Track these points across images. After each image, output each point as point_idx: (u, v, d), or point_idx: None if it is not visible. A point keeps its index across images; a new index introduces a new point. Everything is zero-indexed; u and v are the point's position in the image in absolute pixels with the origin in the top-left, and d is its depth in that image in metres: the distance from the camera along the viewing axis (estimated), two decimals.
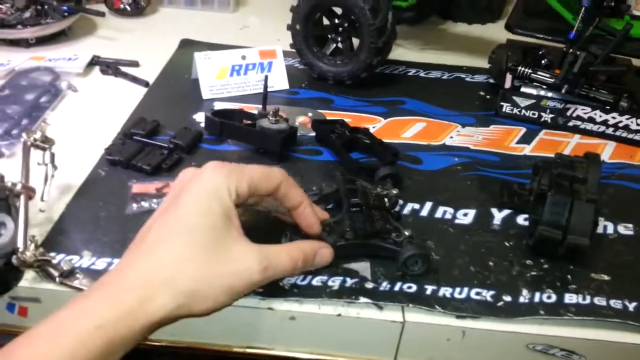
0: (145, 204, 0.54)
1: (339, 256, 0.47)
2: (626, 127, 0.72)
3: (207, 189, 0.39)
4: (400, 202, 0.57)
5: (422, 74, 0.90)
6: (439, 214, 0.58)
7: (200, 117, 0.71)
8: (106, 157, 0.61)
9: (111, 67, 0.82)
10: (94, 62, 0.83)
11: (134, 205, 0.54)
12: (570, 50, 0.71)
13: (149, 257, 0.36)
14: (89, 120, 0.70)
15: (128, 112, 0.72)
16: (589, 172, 0.52)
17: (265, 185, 0.42)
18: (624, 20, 0.76)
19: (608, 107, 0.73)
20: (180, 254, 0.36)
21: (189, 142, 0.64)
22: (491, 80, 0.86)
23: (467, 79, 0.89)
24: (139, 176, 0.59)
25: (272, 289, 0.46)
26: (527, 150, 0.71)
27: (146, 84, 0.79)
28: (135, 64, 0.85)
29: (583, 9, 0.70)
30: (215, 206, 0.38)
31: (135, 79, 0.80)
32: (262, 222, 0.49)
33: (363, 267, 0.50)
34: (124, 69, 0.82)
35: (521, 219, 0.58)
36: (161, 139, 0.65)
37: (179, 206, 0.38)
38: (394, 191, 0.55)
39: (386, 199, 0.54)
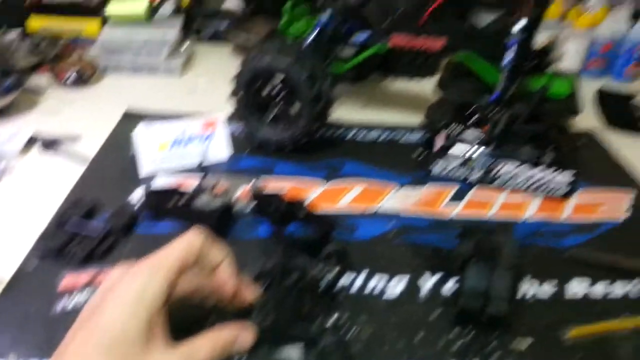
0: (74, 299, 0.54)
1: (262, 340, 0.48)
2: (550, 182, 0.76)
3: (133, 296, 0.38)
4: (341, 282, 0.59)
5: (361, 135, 0.93)
6: (370, 286, 0.60)
7: (139, 195, 0.72)
8: (37, 247, 0.61)
9: (50, 145, 0.82)
10: (33, 140, 0.83)
11: (63, 301, 0.53)
12: (494, 110, 0.75)
13: None
14: (23, 206, 0.70)
15: (65, 192, 0.72)
16: (506, 239, 0.55)
17: (191, 259, 0.42)
18: (544, 78, 0.81)
19: (533, 163, 0.77)
20: None
21: (124, 224, 0.65)
22: (426, 139, 0.89)
23: (405, 138, 0.92)
24: (71, 266, 0.59)
25: None
26: (457, 210, 0.73)
27: (86, 161, 0.79)
28: (76, 138, 0.85)
29: (505, 70, 0.75)
30: (141, 312, 0.38)
31: (74, 156, 0.80)
32: (187, 312, 0.50)
33: (294, 351, 0.51)
34: (64, 145, 0.83)
35: (449, 286, 0.60)
36: (98, 221, 0.66)
37: (103, 315, 0.38)
38: (335, 270, 0.56)
39: (327, 277, 0.55)
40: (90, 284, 0.56)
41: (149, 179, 0.77)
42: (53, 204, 0.69)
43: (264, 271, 0.56)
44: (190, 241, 0.43)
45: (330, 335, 0.49)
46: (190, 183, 0.73)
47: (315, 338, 0.50)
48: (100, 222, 0.65)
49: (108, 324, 0.38)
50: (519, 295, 0.58)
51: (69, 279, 0.56)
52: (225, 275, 0.45)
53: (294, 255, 0.58)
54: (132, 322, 0.38)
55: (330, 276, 0.56)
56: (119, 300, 0.38)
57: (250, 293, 0.49)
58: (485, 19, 0.78)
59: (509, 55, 0.74)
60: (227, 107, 0.86)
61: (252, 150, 0.86)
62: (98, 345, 0.37)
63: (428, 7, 0.82)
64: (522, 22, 0.72)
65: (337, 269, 0.56)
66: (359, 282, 0.60)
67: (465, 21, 0.81)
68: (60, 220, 0.64)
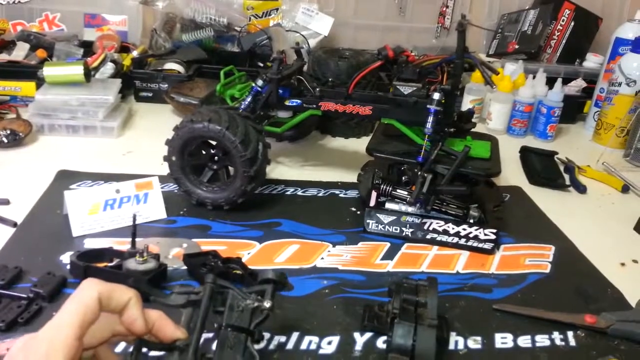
0: None
1: None
2: (476, 237, 0.80)
3: None
4: (265, 337, 0.58)
5: (299, 192, 0.95)
6: (304, 345, 0.60)
7: (68, 258, 0.70)
8: None
9: None
10: None
11: None
12: (419, 172, 0.79)
13: None
14: None
15: None
16: (428, 297, 0.57)
17: (90, 316, 0.41)
18: (465, 141, 0.87)
19: (459, 219, 0.81)
20: None
21: (51, 289, 0.63)
22: (361, 196, 0.92)
23: (341, 195, 0.95)
24: None
25: None
26: (390, 266, 0.76)
27: (14, 225, 0.77)
28: (5, 202, 0.83)
29: (427, 135, 0.79)
30: None
31: (2, 220, 0.78)
32: None
33: None
34: None
35: (381, 341, 0.61)
36: (22, 287, 0.63)
37: None
38: (267, 304, 0.53)
39: (258, 309, 0.53)
40: None
41: (81, 239, 0.75)
42: None
43: (191, 300, 0.54)
44: (84, 298, 0.41)
45: None
46: (123, 244, 0.72)
47: None
48: (28, 286, 0.63)
49: None
50: (449, 347, 0.60)
51: None
52: (133, 313, 0.44)
53: (226, 286, 0.54)
54: None
55: (263, 309, 0.53)
56: None
57: (173, 330, 0.48)
58: (405, 90, 0.83)
59: (429, 122, 0.78)
60: (164, 167, 0.86)
61: (189, 210, 0.86)
62: None
63: (354, 78, 0.87)
64: (439, 93, 0.78)
65: (267, 304, 0.54)
66: (293, 339, 0.60)
67: (388, 91, 0.86)
68: None
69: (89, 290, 0.41)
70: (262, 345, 0.59)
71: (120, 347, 0.56)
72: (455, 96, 0.82)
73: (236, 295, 0.55)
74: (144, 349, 0.48)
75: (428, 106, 0.78)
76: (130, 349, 0.48)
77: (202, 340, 0.48)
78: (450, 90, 0.79)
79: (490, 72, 0.82)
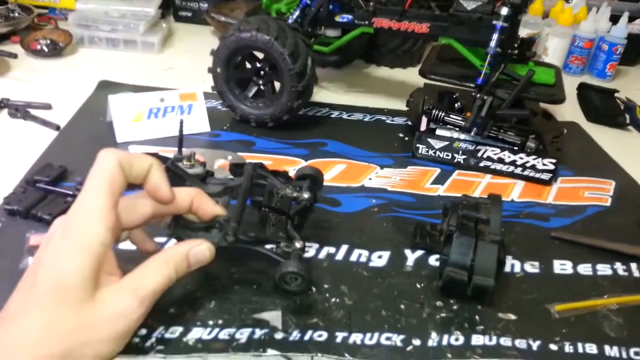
0: None
1: (220, 257, 0.46)
2: (533, 167, 0.75)
3: (73, 244, 0.37)
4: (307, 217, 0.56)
5: (344, 116, 0.91)
6: (354, 257, 0.58)
7: None
8: (4, 207, 0.57)
9: (20, 110, 0.78)
10: (2, 104, 0.79)
11: (30, 259, 0.50)
12: (478, 95, 0.74)
13: (13, 325, 0.34)
14: None
15: (34, 157, 0.68)
16: (491, 214, 0.53)
17: (117, 181, 0.39)
18: (527, 66, 0.81)
19: (516, 148, 0.77)
20: (46, 321, 0.34)
21: None
22: (409, 123, 0.88)
23: (388, 122, 0.91)
24: (40, 226, 0.56)
25: (174, 346, 0.44)
26: (441, 190, 0.73)
27: (57, 128, 0.76)
28: (47, 106, 0.81)
29: (489, 55, 0.74)
30: (82, 259, 0.36)
31: (45, 123, 0.76)
32: None
33: (274, 316, 0.49)
34: (34, 112, 0.79)
35: (433, 260, 0.59)
36: (67, 186, 0.62)
37: (45, 267, 0.36)
38: (306, 195, 0.53)
39: (295, 201, 0.53)
40: None
41: (125, 145, 0.73)
42: (21, 168, 0.66)
43: (233, 186, 0.53)
44: (106, 167, 0.40)
45: (294, 260, 0.47)
46: (168, 153, 0.70)
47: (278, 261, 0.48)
48: (72, 185, 0.62)
49: (49, 275, 0.36)
50: (505, 270, 0.57)
51: (36, 237, 0.53)
52: (155, 179, 0.43)
53: (265, 175, 0.54)
54: (73, 269, 0.36)
55: (301, 199, 0.53)
56: (58, 252, 0.37)
57: (212, 207, 0.47)
58: (468, 5, 0.77)
59: (493, 41, 0.73)
60: (206, 84, 0.83)
61: (232, 126, 0.83)
62: (41, 295, 0.35)
63: None
64: (507, 8, 0.72)
65: (306, 195, 0.53)
66: (343, 251, 0.58)
67: (448, 7, 0.80)
68: (29, 181, 0.61)
69: (108, 160, 0.40)
70: (311, 253, 0.57)
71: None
72: (524, 13, 0.76)
73: (275, 184, 0.54)
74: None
75: (494, 22, 0.72)
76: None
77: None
78: (520, 6, 0.73)
79: None
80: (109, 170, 0.39)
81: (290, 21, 0.87)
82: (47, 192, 0.60)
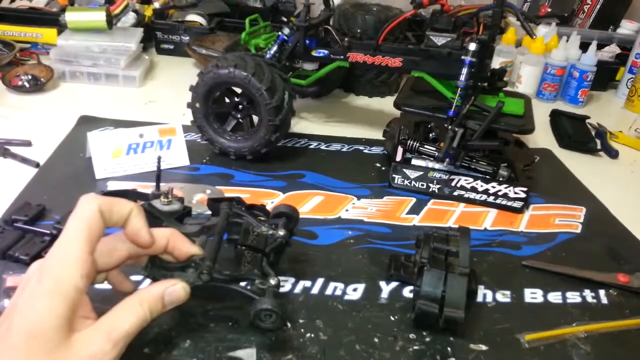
0: None
1: (195, 296, 0.46)
2: (505, 196, 0.77)
3: (47, 289, 0.37)
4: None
5: (322, 147, 0.93)
6: (329, 290, 0.59)
7: None
8: None
9: (0, 148, 0.79)
10: None
11: (6, 301, 0.51)
12: (450, 126, 0.76)
13: None
14: None
15: (13, 196, 0.69)
16: (460, 246, 0.55)
17: (96, 227, 0.40)
18: (498, 97, 0.84)
19: (489, 177, 0.79)
20: None
21: None
22: (386, 152, 0.90)
23: (365, 151, 0.93)
24: (17, 267, 0.56)
25: None
26: (416, 220, 0.74)
27: (36, 165, 0.76)
28: (27, 143, 0.82)
29: (459, 89, 0.76)
30: (58, 303, 0.37)
31: (24, 160, 0.77)
32: None
33: (248, 354, 0.49)
34: (14, 149, 0.80)
35: (407, 291, 0.60)
36: (45, 225, 0.63)
37: (20, 311, 0.37)
38: (281, 232, 0.54)
39: (270, 239, 0.54)
40: None
41: (104, 182, 0.74)
42: (1, 206, 0.66)
43: (210, 225, 0.54)
44: (85, 212, 0.40)
45: (267, 298, 0.48)
46: (146, 188, 0.71)
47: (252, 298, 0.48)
48: (51, 224, 0.62)
49: (24, 320, 0.36)
50: (477, 300, 0.58)
51: (13, 278, 0.53)
52: (135, 224, 0.43)
53: (241, 214, 0.56)
54: (48, 314, 0.36)
55: (277, 237, 0.54)
56: (34, 298, 0.37)
57: (188, 247, 0.48)
58: (438, 40, 0.80)
59: (463, 75, 0.75)
60: (186, 117, 0.85)
61: (211, 159, 0.84)
62: (16, 340, 0.36)
63: (384, 28, 0.84)
64: (474, 44, 0.74)
65: (282, 232, 0.54)
66: (319, 284, 0.59)
67: (420, 43, 0.83)
68: (7, 221, 0.61)
69: (89, 205, 0.40)
70: (287, 288, 0.58)
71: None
72: (492, 49, 0.79)
73: (251, 222, 0.55)
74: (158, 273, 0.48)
75: (463, 57, 0.75)
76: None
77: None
78: (487, 41, 0.75)
79: (531, 23, 0.78)
80: (89, 217, 0.40)
81: (268, 56, 0.89)
82: (25, 231, 0.60)
